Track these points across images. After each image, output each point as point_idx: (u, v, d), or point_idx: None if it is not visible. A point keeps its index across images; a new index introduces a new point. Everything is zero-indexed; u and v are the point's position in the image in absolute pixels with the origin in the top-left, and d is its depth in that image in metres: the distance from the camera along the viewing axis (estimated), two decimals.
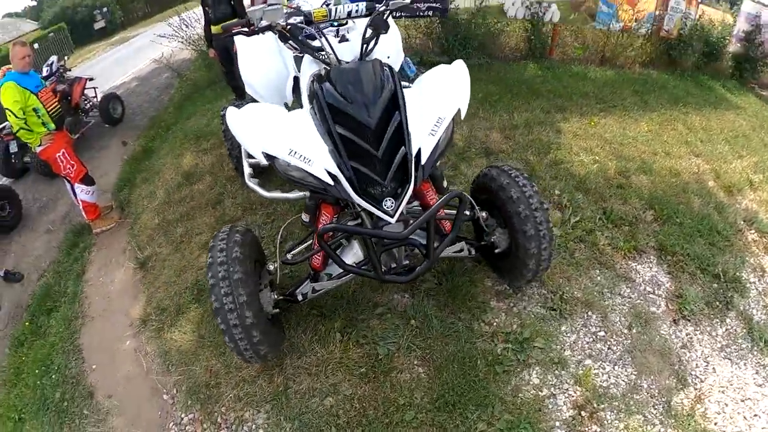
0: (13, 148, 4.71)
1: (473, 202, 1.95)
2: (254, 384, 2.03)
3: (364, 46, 1.76)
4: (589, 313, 2.27)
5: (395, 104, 1.56)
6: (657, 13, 6.41)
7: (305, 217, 1.86)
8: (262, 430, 1.88)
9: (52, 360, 2.55)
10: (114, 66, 10.26)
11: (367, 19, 1.77)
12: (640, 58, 6.46)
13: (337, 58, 1.72)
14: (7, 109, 3.05)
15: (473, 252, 2.16)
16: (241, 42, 2.59)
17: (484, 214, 1.99)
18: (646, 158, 3.64)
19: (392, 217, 1.48)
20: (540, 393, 1.92)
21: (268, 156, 1.58)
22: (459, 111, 1.66)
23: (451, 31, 5.11)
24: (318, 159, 1.52)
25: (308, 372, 2.00)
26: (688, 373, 2.10)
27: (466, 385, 1.90)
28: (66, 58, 6.00)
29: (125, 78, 8.04)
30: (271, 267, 1.90)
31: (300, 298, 2.00)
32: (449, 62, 1.79)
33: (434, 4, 4.97)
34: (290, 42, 1.88)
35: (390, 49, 2.56)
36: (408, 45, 5.43)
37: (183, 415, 2.05)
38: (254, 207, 3.12)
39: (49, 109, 3.35)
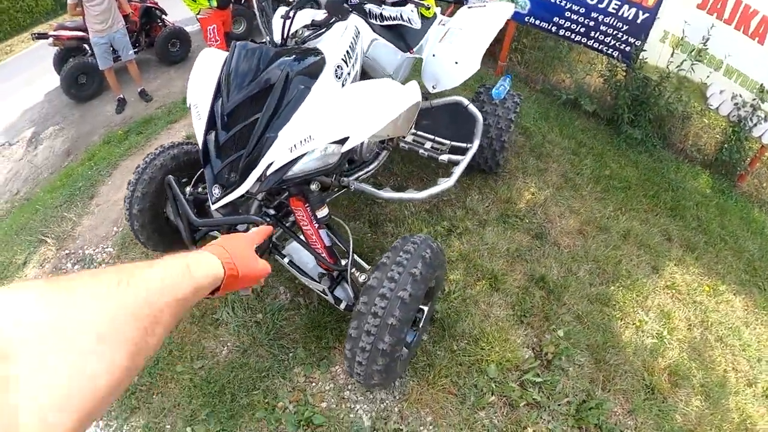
0: None
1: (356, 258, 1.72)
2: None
3: (289, 30, 1.64)
4: None
5: (265, 101, 1.45)
6: None
7: None
8: None
9: (102, 163, 3.42)
10: None
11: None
12: None
13: (271, 35, 1.67)
14: None
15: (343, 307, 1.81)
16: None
17: (363, 277, 1.64)
18: (728, 378, 2.36)
19: (213, 203, 1.50)
20: None
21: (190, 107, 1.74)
22: (346, 140, 1.44)
23: (629, 85, 4.13)
24: (204, 119, 1.59)
25: None
26: None
27: (222, 407, 1.80)
28: None
29: None
30: (188, 190, 2.13)
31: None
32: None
33: (623, 44, 4.03)
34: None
35: (461, 54, 2.23)
36: (576, 81, 4.62)
37: (111, 248, 2.61)
38: None
39: None
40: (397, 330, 1.40)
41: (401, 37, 2.26)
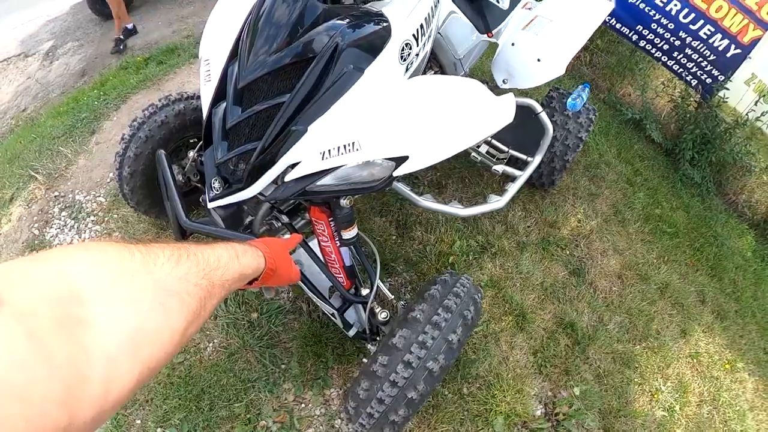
0: None
1: (372, 308, 1.39)
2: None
3: None
4: None
5: (298, 78, 1.09)
6: None
7: None
8: None
9: (111, 93, 3.08)
10: None
11: None
12: None
13: None
14: None
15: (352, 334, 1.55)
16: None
17: (384, 314, 1.38)
18: None
19: (209, 201, 1.19)
20: None
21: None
22: (404, 159, 1.06)
23: (700, 121, 3.69)
24: (215, 83, 1.25)
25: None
26: None
27: (198, 414, 1.62)
28: None
29: None
30: (191, 155, 1.84)
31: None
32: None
33: (706, 74, 3.57)
34: None
35: (546, 51, 1.77)
36: (644, 100, 4.15)
37: (103, 197, 2.37)
38: None
39: None
40: (416, 403, 1.13)
41: (481, 14, 1.86)
